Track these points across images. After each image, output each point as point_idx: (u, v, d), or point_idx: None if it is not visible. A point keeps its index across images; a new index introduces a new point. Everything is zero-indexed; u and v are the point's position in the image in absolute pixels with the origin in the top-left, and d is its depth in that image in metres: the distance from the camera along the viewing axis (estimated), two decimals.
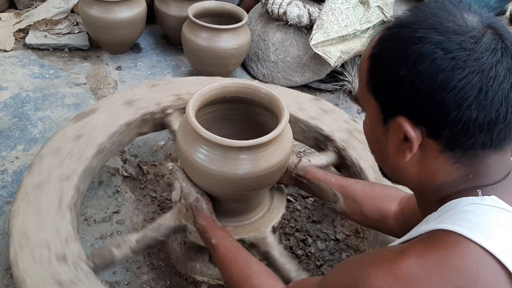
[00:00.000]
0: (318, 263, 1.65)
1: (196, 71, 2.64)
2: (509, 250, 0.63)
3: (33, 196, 1.38)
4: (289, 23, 2.56)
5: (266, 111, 1.37)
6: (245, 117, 1.44)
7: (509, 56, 0.67)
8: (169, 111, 1.77)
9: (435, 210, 0.75)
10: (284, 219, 1.79)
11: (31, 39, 2.70)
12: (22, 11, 3.01)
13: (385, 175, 0.89)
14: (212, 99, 1.34)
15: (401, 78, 0.70)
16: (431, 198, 0.77)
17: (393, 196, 1.26)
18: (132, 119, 1.69)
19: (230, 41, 2.45)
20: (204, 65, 2.52)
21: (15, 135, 2.07)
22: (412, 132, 0.71)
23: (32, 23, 2.77)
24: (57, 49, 2.74)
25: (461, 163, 0.72)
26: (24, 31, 2.81)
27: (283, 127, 1.21)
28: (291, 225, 1.79)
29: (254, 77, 2.75)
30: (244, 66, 2.85)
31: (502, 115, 0.66)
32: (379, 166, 0.89)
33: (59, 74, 2.53)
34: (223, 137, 1.16)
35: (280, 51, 2.64)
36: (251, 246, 1.37)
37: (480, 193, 0.70)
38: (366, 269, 0.68)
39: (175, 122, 1.73)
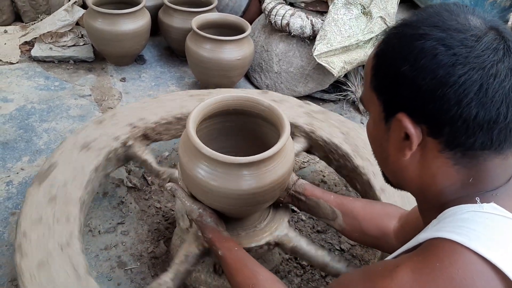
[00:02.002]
0: (323, 274, 1.64)
1: (200, 82, 2.66)
2: (508, 258, 0.63)
3: (41, 276, 1.25)
4: (292, 34, 2.57)
5: (267, 123, 1.37)
6: (245, 129, 1.44)
7: (511, 56, 0.67)
8: (130, 142, 1.73)
9: (435, 217, 0.74)
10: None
11: (36, 51, 2.73)
12: (28, 24, 3.04)
13: (387, 180, 0.89)
14: (212, 112, 1.34)
15: (403, 74, 0.71)
16: (431, 204, 0.77)
17: (393, 213, 1.25)
18: (98, 163, 1.61)
19: (234, 52, 2.47)
20: (208, 76, 2.54)
21: (21, 147, 2.09)
22: (412, 129, 0.71)
23: (37, 36, 2.80)
24: (62, 61, 2.76)
25: (461, 165, 0.71)
26: (30, 43, 2.84)
27: (285, 141, 1.20)
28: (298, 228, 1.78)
29: (257, 88, 2.76)
30: (248, 77, 2.86)
31: (502, 114, 0.67)
32: (381, 171, 0.89)
33: (64, 86, 2.55)
34: (224, 150, 1.17)
35: (284, 62, 2.65)
36: (277, 245, 1.39)
37: (478, 201, 0.70)
38: (361, 286, 0.68)
39: (140, 151, 1.73)
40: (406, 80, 0.70)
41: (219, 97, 1.34)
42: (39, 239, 1.33)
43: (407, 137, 0.73)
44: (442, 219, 0.72)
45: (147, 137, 1.81)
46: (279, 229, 1.39)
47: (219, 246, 1.21)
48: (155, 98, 1.98)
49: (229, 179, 1.18)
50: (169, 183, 1.33)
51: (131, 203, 1.86)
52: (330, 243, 1.77)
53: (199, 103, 1.30)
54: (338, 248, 1.76)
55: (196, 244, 1.33)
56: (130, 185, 1.92)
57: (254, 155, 1.16)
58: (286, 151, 1.25)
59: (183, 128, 1.87)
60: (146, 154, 1.74)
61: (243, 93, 1.39)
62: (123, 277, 1.58)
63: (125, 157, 1.75)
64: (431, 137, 0.71)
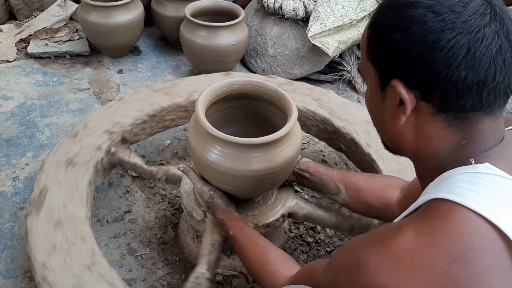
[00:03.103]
0: (328, 249, 1.69)
1: (196, 70, 2.68)
2: (503, 213, 0.65)
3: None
4: (285, 17, 2.59)
5: (273, 107, 1.40)
6: (251, 113, 1.48)
7: (498, 20, 0.70)
8: (113, 149, 1.70)
9: (433, 181, 0.77)
10: None
11: (32, 48, 2.74)
12: (22, 21, 3.05)
13: (386, 147, 0.92)
14: (219, 97, 1.37)
15: (395, 42, 0.74)
16: (429, 168, 0.80)
17: (395, 185, 1.29)
18: (90, 176, 1.57)
19: (228, 38, 2.48)
20: (204, 63, 2.56)
21: (24, 143, 2.11)
22: (406, 95, 0.75)
23: (32, 33, 2.81)
24: (58, 56, 2.77)
25: (454, 127, 0.74)
26: (26, 41, 2.85)
27: (293, 123, 1.24)
28: None
29: (253, 72, 2.78)
30: (243, 62, 2.88)
31: (490, 76, 0.69)
32: (381, 138, 0.92)
33: (62, 81, 2.57)
34: (232, 134, 1.20)
35: (278, 45, 2.67)
36: (290, 216, 1.46)
37: (473, 161, 0.73)
38: (366, 248, 0.70)
39: (126, 155, 1.72)
40: (398, 47, 0.74)
41: (226, 81, 1.37)
42: (62, 266, 1.27)
43: (401, 102, 0.76)
44: (439, 182, 0.75)
45: (125, 140, 1.77)
46: (288, 200, 1.45)
47: (230, 226, 1.26)
48: (121, 100, 1.90)
49: (240, 160, 1.21)
50: (181, 165, 1.37)
51: (136, 192, 1.89)
52: None
53: (207, 87, 1.33)
54: None
55: (218, 230, 1.37)
56: (134, 174, 1.95)
57: None
58: (295, 134, 1.29)
59: (157, 126, 1.88)
60: (133, 157, 1.72)
61: (250, 78, 1.42)
62: (134, 263, 1.61)
63: (111, 165, 1.73)
64: (424, 101, 0.74)
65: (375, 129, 0.92)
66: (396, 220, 0.80)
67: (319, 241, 1.72)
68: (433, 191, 0.73)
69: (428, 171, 0.80)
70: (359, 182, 1.33)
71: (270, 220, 1.39)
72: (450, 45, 0.69)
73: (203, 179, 1.34)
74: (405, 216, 0.78)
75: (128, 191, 1.89)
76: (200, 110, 1.24)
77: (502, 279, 0.63)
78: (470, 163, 0.73)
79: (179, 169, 1.37)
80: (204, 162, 1.26)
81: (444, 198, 0.69)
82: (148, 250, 1.66)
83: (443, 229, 0.65)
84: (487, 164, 0.72)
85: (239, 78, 1.44)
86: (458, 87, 0.70)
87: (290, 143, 1.26)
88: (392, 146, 0.89)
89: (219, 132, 1.19)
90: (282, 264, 1.11)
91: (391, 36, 0.75)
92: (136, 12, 2.66)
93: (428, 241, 0.65)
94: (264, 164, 1.22)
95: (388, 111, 0.81)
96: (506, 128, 0.80)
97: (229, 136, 1.19)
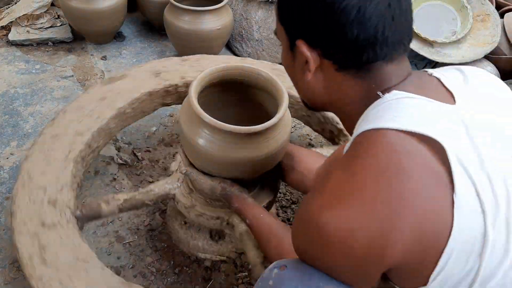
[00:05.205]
0: None
1: (181, 55, 2.64)
2: (416, 120, 0.73)
3: (47, 145, 1.55)
4: (270, 0, 2.57)
5: (265, 93, 1.41)
6: (244, 98, 1.48)
7: None
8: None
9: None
10: (280, 192, 1.83)
11: (14, 35, 2.69)
12: (2, 8, 2.98)
13: (306, 105, 0.99)
14: (210, 82, 1.36)
15: (298, 4, 0.82)
16: (351, 119, 0.86)
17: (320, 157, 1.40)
18: (155, 89, 1.80)
19: (213, 22, 2.46)
20: (189, 48, 2.53)
21: (8, 132, 2.09)
22: (308, 53, 0.83)
23: (13, 20, 2.75)
24: (40, 43, 2.73)
25: (359, 78, 0.82)
26: (6, 28, 2.79)
27: (284, 111, 1.25)
28: (287, 198, 1.83)
29: (239, 57, 2.76)
30: (229, 46, 2.86)
31: (380, 32, 0.76)
32: (300, 98, 0.99)
33: (45, 68, 2.53)
34: (223, 119, 1.20)
35: (264, 29, 2.65)
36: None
37: (381, 94, 0.80)
38: (309, 201, 0.76)
39: None
40: (301, 10, 0.81)
41: (219, 66, 1.37)
42: (68, 121, 1.63)
43: (307, 61, 0.83)
44: (358, 124, 0.82)
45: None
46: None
47: (246, 214, 1.27)
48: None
49: (251, 147, 1.23)
50: (183, 168, 1.38)
51: (123, 180, 1.88)
52: None
53: (198, 75, 1.32)
54: None
55: (167, 184, 1.46)
56: (121, 162, 1.94)
57: (254, 125, 1.21)
58: (285, 121, 1.31)
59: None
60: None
61: (243, 63, 1.43)
62: (122, 250, 1.62)
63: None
64: (326, 59, 0.82)
65: None
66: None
67: None
68: (354, 133, 0.81)
69: (352, 122, 0.86)
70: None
71: None
72: (343, 5, 0.75)
73: (206, 174, 1.35)
74: None
75: (114, 179, 1.88)
76: (193, 94, 1.24)
77: (426, 177, 0.70)
78: (379, 97, 0.80)
79: (181, 172, 1.38)
80: (195, 147, 1.26)
81: (361, 132, 0.77)
82: (136, 237, 1.66)
83: (368, 153, 0.73)
84: (394, 91, 0.79)
85: (236, 64, 1.44)
86: (352, 44, 0.78)
87: (282, 130, 1.29)
88: (309, 102, 0.97)
89: (210, 117, 1.19)
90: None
91: (293, 1, 0.82)
92: None
93: (355, 173, 0.72)
94: (256, 151, 1.24)
95: (298, 69, 0.89)
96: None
97: (220, 122, 1.19)
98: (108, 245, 1.63)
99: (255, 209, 1.27)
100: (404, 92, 0.78)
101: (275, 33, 0.94)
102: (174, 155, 1.98)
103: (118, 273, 1.53)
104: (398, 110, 0.75)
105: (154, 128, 2.17)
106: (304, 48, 0.82)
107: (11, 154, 1.98)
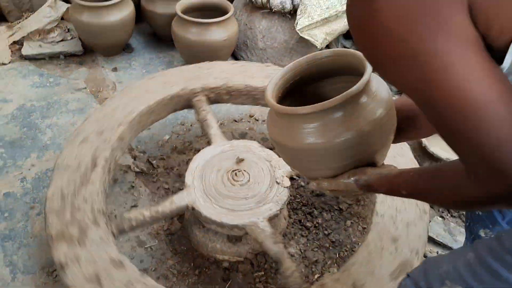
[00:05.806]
0: (326, 232, 1.80)
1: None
2: None
3: None
4: (273, 10, 2.67)
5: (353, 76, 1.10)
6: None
7: None
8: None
9: None
10: (290, 195, 1.93)
11: (26, 50, 2.79)
12: (14, 23, 3.07)
13: None
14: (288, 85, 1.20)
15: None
16: None
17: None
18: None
19: (220, 33, 2.57)
20: (197, 58, 2.62)
21: (27, 144, 2.18)
22: None
23: (25, 35, 2.85)
24: (52, 57, 2.83)
25: None
26: (19, 43, 2.89)
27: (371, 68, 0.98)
28: (298, 200, 1.93)
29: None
30: (235, 55, 2.96)
31: None
32: None
33: (59, 81, 2.63)
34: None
35: (267, 38, 2.75)
36: None
37: None
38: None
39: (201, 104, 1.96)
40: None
41: (290, 65, 1.22)
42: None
43: None
44: None
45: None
46: None
47: (397, 189, 0.99)
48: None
49: (357, 115, 0.99)
50: (311, 184, 1.15)
51: (141, 187, 1.98)
52: (329, 204, 1.92)
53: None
54: (337, 208, 1.91)
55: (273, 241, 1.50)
56: (137, 170, 2.04)
57: None
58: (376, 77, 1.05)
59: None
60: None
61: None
62: (144, 254, 1.71)
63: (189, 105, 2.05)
64: None
65: None
66: None
67: (317, 225, 1.83)
68: None
69: None
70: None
71: None
72: None
73: (331, 178, 1.09)
74: None
75: (132, 187, 1.98)
76: (270, 96, 1.08)
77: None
78: None
79: (311, 188, 1.17)
80: (301, 147, 1.03)
81: None
82: (156, 241, 1.76)
83: None
84: None
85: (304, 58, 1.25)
86: None
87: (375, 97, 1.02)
88: None
89: (303, 107, 0.98)
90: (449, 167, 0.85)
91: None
92: (127, 11, 2.71)
93: None
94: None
95: None
96: None
97: (317, 104, 0.97)
98: (130, 249, 1.73)
99: (398, 177, 0.99)
100: None
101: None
102: (187, 162, 2.07)
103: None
104: None
105: (167, 137, 2.26)
106: None
107: (32, 165, 2.07)
